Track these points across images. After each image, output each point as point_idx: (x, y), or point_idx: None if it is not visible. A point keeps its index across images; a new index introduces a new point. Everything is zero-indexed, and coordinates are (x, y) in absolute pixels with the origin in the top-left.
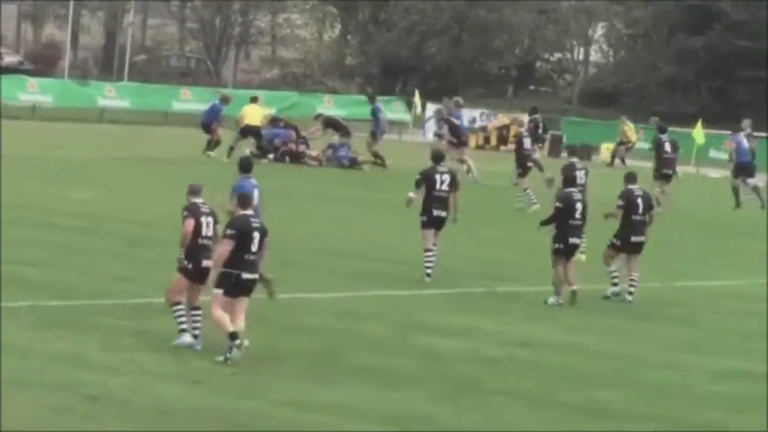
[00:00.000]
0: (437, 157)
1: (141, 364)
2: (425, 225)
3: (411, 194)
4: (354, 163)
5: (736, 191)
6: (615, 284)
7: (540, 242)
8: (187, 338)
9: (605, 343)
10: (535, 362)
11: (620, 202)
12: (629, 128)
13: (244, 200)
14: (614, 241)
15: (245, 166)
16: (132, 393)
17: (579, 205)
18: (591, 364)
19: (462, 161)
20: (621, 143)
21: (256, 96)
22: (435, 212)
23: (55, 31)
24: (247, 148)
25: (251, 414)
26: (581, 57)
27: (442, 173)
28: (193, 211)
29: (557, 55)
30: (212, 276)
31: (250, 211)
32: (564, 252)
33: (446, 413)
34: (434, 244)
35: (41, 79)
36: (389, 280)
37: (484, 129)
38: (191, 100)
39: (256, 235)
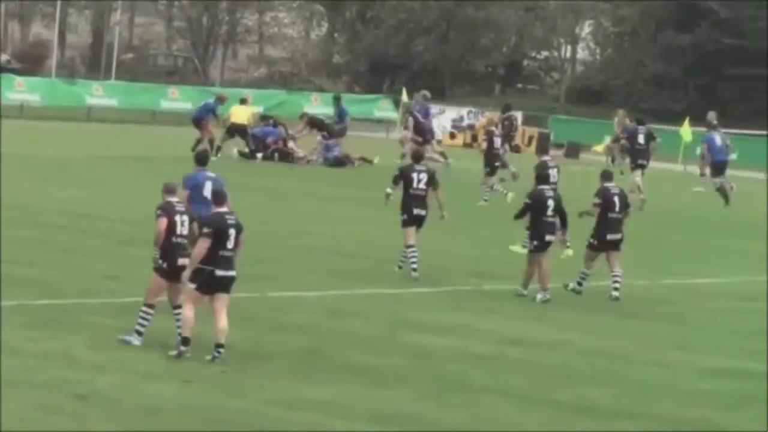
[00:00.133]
0: (417, 157)
1: (129, 362)
2: (406, 223)
3: (388, 189)
4: (340, 163)
5: (722, 190)
6: (580, 284)
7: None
8: (136, 340)
9: (594, 341)
10: (523, 360)
11: (597, 200)
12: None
13: (218, 198)
14: (591, 240)
15: (201, 160)
16: (120, 392)
17: (551, 202)
18: (579, 362)
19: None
20: (616, 139)
21: (244, 98)
22: (415, 211)
23: (42, 29)
24: (235, 147)
25: (239, 412)
26: (568, 55)
27: (419, 171)
28: (166, 210)
29: (544, 53)
30: (186, 273)
31: (225, 209)
32: (542, 249)
33: (434, 411)
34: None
35: (29, 78)
36: (377, 278)
37: (471, 127)
38: (179, 99)
39: (232, 232)
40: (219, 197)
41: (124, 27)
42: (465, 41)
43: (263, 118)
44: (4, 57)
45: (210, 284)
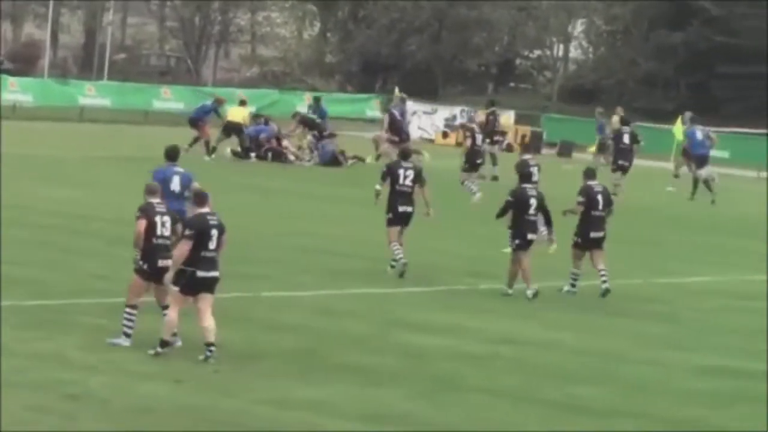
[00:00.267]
0: (404, 154)
1: (121, 363)
2: (390, 222)
3: (377, 186)
4: (335, 162)
5: (707, 184)
6: (573, 285)
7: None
8: (125, 342)
9: (587, 341)
10: (516, 359)
11: (580, 198)
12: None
13: (200, 199)
14: (576, 239)
15: (171, 155)
16: (113, 392)
17: (533, 201)
18: (572, 362)
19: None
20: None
21: (243, 100)
22: (400, 208)
23: (34, 30)
24: (229, 147)
25: (232, 412)
26: (561, 54)
27: (406, 168)
28: (146, 211)
29: (537, 52)
30: (169, 275)
31: (206, 209)
32: (524, 247)
33: (427, 411)
34: (401, 243)
35: (21, 79)
36: (371, 277)
37: (464, 127)
38: (171, 99)
39: (214, 232)
40: (200, 198)
41: (116, 27)
42: (457, 41)
43: (255, 117)
44: None
45: (192, 285)
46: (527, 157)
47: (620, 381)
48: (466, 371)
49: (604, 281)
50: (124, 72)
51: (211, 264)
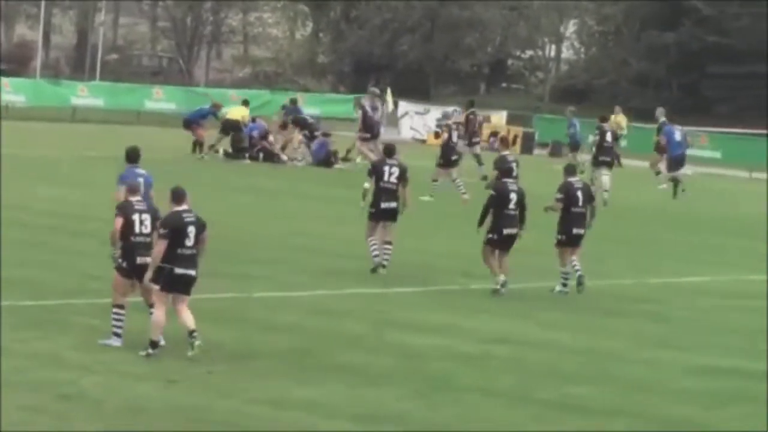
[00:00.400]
0: (389, 151)
1: (115, 363)
2: (371, 216)
3: (366, 184)
4: (328, 162)
5: (674, 182)
6: (564, 284)
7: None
8: (116, 342)
9: (581, 340)
10: (510, 359)
11: (559, 195)
12: (622, 118)
13: (177, 197)
14: (559, 237)
15: (132, 156)
16: (106, 392)
17: (513, 196)
18: (567, 361)
19: (367, 155)
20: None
21: (246, 100)
22: (383, 204)
23: (26, 30)
24: (221, 147)
25: (226, 412)
26: (553, 54)
27: (391, 165)
28: (123, 210)
29: (529, 53)
30: (148, 274)
31: (183, 207)
32: (497, 242)
33: (421, 411)
34: (389, 242)
35: (13, 79)
36: (366, 277)
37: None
38: (163, 99)
39: (191, 229)
40: (177, 196)
41: (108, 28)
42: (449, 41)
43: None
44: None
45: (170, 282)
46: (506, 153)
47: (615, 380)
48: (461, 371)
49: (577, 269)
50: (116, 72)
51: (189, 261)
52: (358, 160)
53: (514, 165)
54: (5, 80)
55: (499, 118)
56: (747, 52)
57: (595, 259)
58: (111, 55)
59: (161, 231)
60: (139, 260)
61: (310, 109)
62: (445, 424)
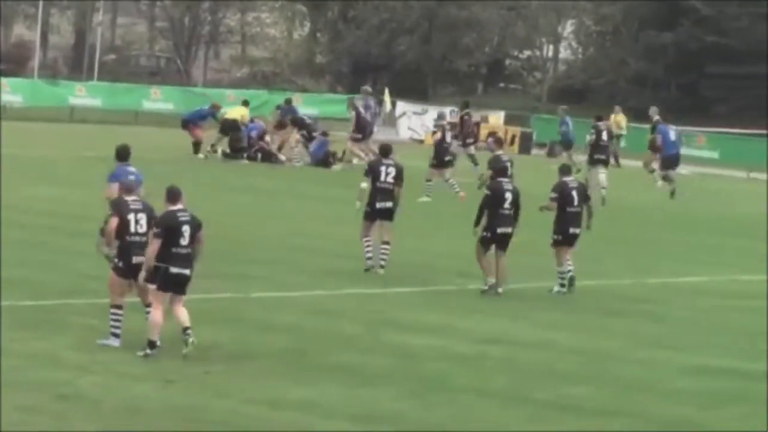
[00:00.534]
0: (385, 150)
1: (112, 363)
2: (367, 215)
3: (363, 184)
4: (326, 162)
5: (668, 181)
6: (562, 285)
7: (515, 240)
8: (114, 342)
9: (578, 340)
10: (506, 359)
11: (554, 195)
12: (622, 118)
13: (172, 196)
14: (555, 237)
15: (122, 155)
16: (103, 392)
17: (509, 195)
18: (563, 361)
19: (358, 155)
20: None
21: (246, 100)
22: (378, 204)
23: (24, 30)
24: (220, 147)
25: (223, 412)
26: (551, 54)
27: (387, 165)
28: (118, 209)
29: (527, 53)
30: (142, 274)
31: (179, 206)
32: (491, 241)
33: (417, 411)
34: (387, 242)
35: (11, 79)
36: (362, 277)
37: (453, 126)
38: (161, 100)
39: (186, 228)
40: (172, 195)
41: (106, 28)
42: (447, 41)
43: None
44: None
45: (166, 281)
46: (500, 153)
47: (612, 381)
48: (457, 371)
49: (570, 270)
50: (114, 72)
51: (184, 261)
52: (355, 161)
53: (508, 164)
54: (3, 80)
55: (496, 119)
56: (745, 52)
57: (593, 259)
58: (109, 55)
59: (155, 230)
60: (136, 260)
61: (307, 109)
62: (441, 424)
